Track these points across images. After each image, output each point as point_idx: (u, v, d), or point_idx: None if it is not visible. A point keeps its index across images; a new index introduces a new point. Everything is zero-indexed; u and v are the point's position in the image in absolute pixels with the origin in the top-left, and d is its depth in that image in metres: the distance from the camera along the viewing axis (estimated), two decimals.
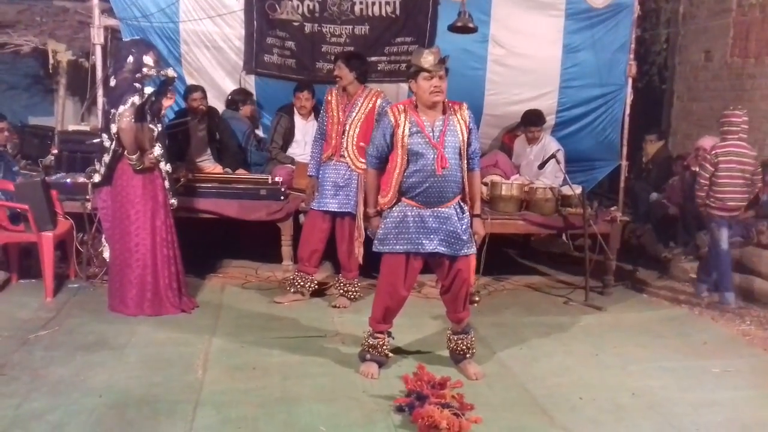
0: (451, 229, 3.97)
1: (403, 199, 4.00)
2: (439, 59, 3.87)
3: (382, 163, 4.09)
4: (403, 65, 6.91)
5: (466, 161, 4.02)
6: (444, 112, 3.98)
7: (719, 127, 6.24)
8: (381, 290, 4.18)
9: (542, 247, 7.97)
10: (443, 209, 3.97)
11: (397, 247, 4.01)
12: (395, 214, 4.01)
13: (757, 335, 5.28)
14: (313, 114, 6.68)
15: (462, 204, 4.06)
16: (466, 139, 3.98)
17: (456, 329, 4.28)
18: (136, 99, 4.80)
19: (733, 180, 5.96)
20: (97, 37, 6.67)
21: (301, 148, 6.64)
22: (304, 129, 6.65)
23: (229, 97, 6.98)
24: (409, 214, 3.98)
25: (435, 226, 3.97)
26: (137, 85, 4.86)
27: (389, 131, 3.99)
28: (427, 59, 3.86)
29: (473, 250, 4.09)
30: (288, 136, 6.64)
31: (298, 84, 6.63)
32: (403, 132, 3.93)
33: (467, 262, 4.09)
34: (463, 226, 4.02)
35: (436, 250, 3.99)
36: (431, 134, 3.91)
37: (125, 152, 4.89)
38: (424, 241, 3.98)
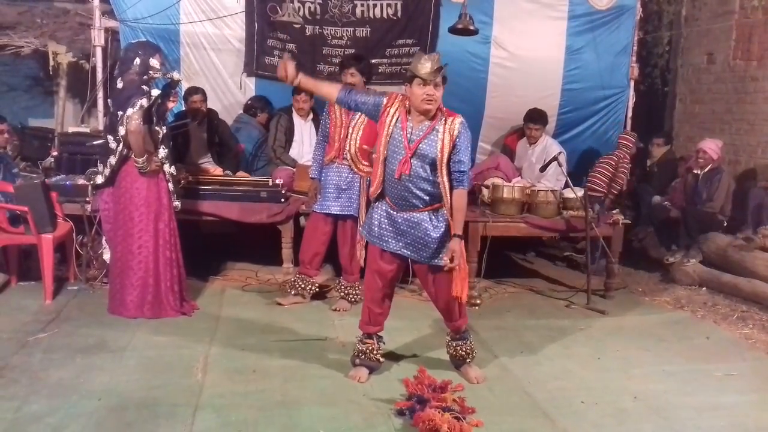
0: (420, 235, 3.91)
1: (384, 193, 3.99)
2: (437, 67, 3.75)
3: (348, 99, 4.04)
4: (405, 68, 6.91)
5: (445, 176, 3.83)
6: (433, 120, 3.85)
7: None
8: (365, 283, 4.21)
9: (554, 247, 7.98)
10: (415, 214, 3.91)
11: (369, 237, 4.06)
12: (375, 208, 4.05)
13: (759, 339, 5.26)
14: (311, 114, 6.67)
15: (439, 214, 3.92)
16: (447, 152, 3.81)
17: (454, 336, 4.26)
18: (144, 101, 4.79)
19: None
20: (98, 38, 6.70)
21: (300, 148, 6.64)
22: (302, 129, 6.65)
23: (248, 102, 7.01)
24: (384, 211, 3.99)
25: (404, 229, 3.94)
26: (144, 87, 4.85)
27: (379, 104, 3.94)
28: (424, 66, 3.74)
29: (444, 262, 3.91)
30: (288, 136, 6.63)
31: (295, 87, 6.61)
32: (390, 121, 3.89)
33: (444, 274, 3.94)
34: (437, 235, 3.90)
35: (399, 252, 3.97)
36: (408, 136, 3.84)
37: (131, 154, 4.87)
38: (390, 240, 3.97)
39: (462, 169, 3.86)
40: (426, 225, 3.90)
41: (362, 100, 4.03)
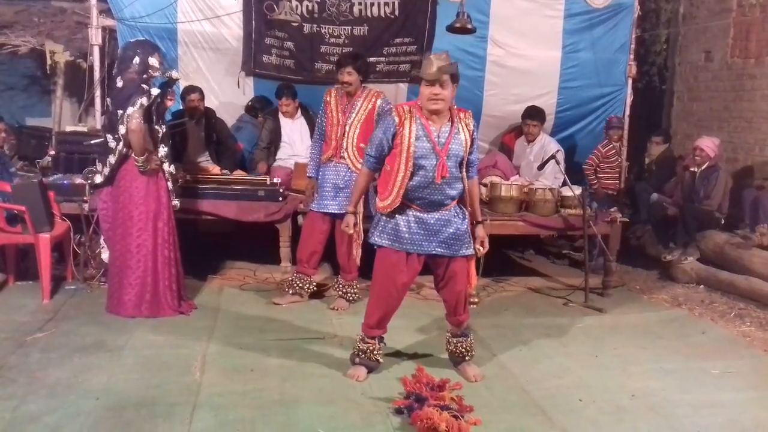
0: (452, 230, 3.96)
1: (405, 202, 3.97)
2: (440, 67, 3.77)
3: (379, 164, 4.06)
4: (402, 66, 6.93)
5: (465, 169, 4.00)
6: (451, 119, 3.93)
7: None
8: (376, 291, 4.13)
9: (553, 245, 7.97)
10: (444, 212, 3.96)
11: (396, 244, 3.98)
12: (397, 214, 3.98)
13: (756, 336, 5.27)
14: (299, 111, 6.64)
15: (461, 206, 4.04)
16: (469, 148, 3.95)
17: (455, 332, 4.26)
18: (144, 100, 4.79)
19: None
20: (95, 37, 6.69)
21: (292, 148, 6.61)
22: (291, 129, 6.62)
23: (249, 104, 7.01)
24: (413, 216, 3.96)
25: (436, 229, 3.96)
26: (144, 86, 4.85)
27: (392, 131, 3.93)
28: (427, 67, 3.80)
29: (470, 251, 4.06)
30: (275, 138, 6.60)
31: (277, 90, 6.58)
32: (410, 135, 3.87)
33: (463, 265, 4.06)
34: (464, 227, 4.01)
35: (434, 252, 3.99)
36: (437, 140, 3.88)
37: (131, 153, 4.87)
38: (423, 243, 3.97)
39: (476, 159, 4.08)
40: (455, 219, 3.98)
41: (381, 136, 4.00)
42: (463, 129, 3.93)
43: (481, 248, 4.09)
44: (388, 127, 3.95)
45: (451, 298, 4.15)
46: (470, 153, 3.99)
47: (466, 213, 4.06)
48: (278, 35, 6.89)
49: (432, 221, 3.95)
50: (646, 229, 7.61)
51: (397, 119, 3.92)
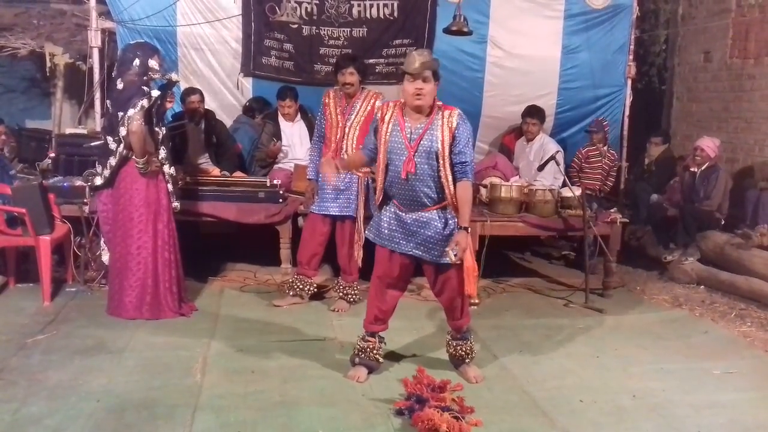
0: (430, 234, 3.91)
1: (388, 198, 4.01)
2: (423, 61, 3.76)
3: (371, 153, 4.08)
4: (402, 67, 6.91)
5: (447, 169, 3.84)
6: (431, 116, 3.86)
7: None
8: (371, 284, 4.19)
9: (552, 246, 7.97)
10: (424, 213, 3.92)
11: (378, 240, 4.05)
12: (383, 211, 4.03)
13: (757, 336, 5.26)
14: (298, 114, 6.64)
15: (447, 211, 3.93)
16: (447, 145, 3.82)
17: (455, 335, 4.26)
18: (144, 102, 4.80)
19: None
20: (95, 39, 6.70)
21: (293, 152, 6.61)
22: (291, 132, 6.61)
23: (247, 104, 7.00)
24: (393, 213, 3.99)
25: (414, 230, 3.93)
26: (145, 88, 4.85)
27: (374, 126, 4.02)
28: (411, 62, 3.77)
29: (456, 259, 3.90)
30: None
31: (279, 92, 6.57)
32: (386, 129, 3.91)
33: (456, 271, 3.98)
34: (447, 232, 3.90)
35: (411, 253, 3.97)
36: (408, 136, 3.86)
37: (131, 155, 4.87)
38: (401, 242, 3.98)
39: (464, 160, 3.86)
40: (436, 223, 3.91)
41: (371, 131, 4.09)
42: (442, 126, 3.83)
43: (453, 255, 3.77)
44: (373, 124, 4.05)
45: (446, 303, 4.14)
46: (453, 152, 3.83)
47: (455, 220, 3.92)
48: (278, 37, 6.90)
49: (409, 221, 3.94)
50: (646, 230, 7.60)
51: (379, 114, 3.98)
